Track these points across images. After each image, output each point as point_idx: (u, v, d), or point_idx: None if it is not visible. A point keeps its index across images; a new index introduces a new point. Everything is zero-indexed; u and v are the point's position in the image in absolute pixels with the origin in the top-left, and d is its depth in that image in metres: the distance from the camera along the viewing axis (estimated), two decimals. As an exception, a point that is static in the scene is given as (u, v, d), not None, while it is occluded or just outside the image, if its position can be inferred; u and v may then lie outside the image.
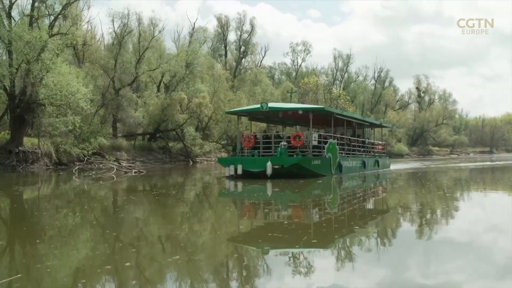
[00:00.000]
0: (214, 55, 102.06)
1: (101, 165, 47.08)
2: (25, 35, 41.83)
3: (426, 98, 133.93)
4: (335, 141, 33.91)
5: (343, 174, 34.48)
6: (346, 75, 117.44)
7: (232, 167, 31.28)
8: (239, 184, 27.37)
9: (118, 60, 73.98)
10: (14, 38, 41.39)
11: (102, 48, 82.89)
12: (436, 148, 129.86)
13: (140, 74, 70.85)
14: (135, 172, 37.72)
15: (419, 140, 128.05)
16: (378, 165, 41.59)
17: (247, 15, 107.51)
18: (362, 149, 39.93)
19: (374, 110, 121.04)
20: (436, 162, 72.34)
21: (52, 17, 53.04)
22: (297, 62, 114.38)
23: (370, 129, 44.92)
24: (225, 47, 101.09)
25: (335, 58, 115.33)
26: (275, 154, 31.40)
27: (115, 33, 79.87)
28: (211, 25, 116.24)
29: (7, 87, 41.43)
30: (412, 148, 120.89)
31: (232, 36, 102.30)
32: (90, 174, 36.23)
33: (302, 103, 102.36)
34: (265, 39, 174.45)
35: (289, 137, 32.44)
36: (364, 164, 38.44)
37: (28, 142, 43.73)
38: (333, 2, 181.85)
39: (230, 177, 30.95)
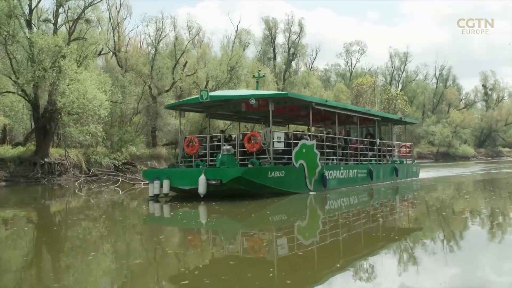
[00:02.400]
0: (263, 59, 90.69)
1: (107, 177, 39.23)
2: (39, 41, 37.67)
3: (494, 96, 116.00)
4: (313, 143, 21.16)
5: (328, 190, 22.52)
6: (404, 74, 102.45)
7: (156, 183, 19.44)
8: (156, 210, 17.68)
9: (154, 66, 64.63)
10: (34, 45, 37.43)
11: (140, 54, 72.79)
12: (507, 149, 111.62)
13: (177, 80, 62.61)
14: (144, 185, 28.28)
15: (487, 141, 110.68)
16: (397, 174, 28.22)
17: (295, 16, 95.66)
18: (369, 153, 26.80)
19: (436, 110, 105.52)
20: (503, 165, 56.99)
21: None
22: (351, 63, 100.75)
23: (387, 126, 31.39)
24: (274, 49, 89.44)
25: (391, 57, 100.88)
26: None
27: (150, 38, 70.72)
28: (260, 28, 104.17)
29: (30, 97, 37.32)
30: (479, 150, 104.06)
31: (280, 39, 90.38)
32: (92, 187, 29.80)
33: (356, 104, 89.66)
34: (322, 43, 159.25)
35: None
36: (370, 174, 25.38)
37: (56, 153, 39.98)
38: (393, 3, 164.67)
39: (155, 198, 19.83)
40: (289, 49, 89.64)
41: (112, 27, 69.43)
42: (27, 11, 42.24)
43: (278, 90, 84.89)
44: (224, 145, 20.41)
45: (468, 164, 73.10)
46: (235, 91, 27.36)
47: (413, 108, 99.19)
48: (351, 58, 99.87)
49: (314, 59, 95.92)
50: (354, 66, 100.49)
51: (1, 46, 38.73)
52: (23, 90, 37.04)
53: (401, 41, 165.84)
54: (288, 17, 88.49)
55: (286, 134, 21.95)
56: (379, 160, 27.95)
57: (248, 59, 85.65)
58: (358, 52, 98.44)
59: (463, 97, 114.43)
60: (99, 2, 51.32)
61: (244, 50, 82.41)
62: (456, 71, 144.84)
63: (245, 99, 20.90)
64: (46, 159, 37.47)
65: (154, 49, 68.99)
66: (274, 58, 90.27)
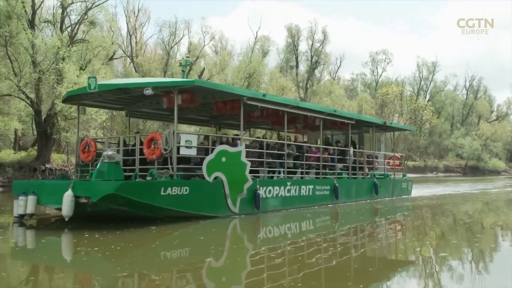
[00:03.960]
0: (285, 67, 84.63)
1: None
2: (36, 42, 34.93)
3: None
4: (239, 150, 14.83)
5: (264, 212, 16.39)
6: (432, 85, 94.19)
7: (22, 200, 13.56)
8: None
9: (168, 72, 59.78)
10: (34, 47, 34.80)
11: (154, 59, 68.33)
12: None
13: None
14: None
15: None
16: (377, 191, 21.43)
17: (318, 24, 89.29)
18: (338, 164, 20.22)
19: (465, 122, 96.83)
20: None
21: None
22: (377, 72, 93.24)
23: (369, 133, 24.55)
24: (296, 57, 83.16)
25: (418, 66, 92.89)
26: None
27: (163, 43, 66.13)
28: (283, 36, 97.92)
29: (33, 100, 34.67)
30: (510, 164, 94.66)
31: (303, 46, 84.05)
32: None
33: (380, 115, 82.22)
34: (347, 52, 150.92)
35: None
36: (335, 191, 18.74)
37: (59, 159, 38.19)
38: (421, 13, 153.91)
39: (19, 220, 14.07)
40: (311, 57, 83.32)
41: (129, 33, 65.18)
42: (30, 12, 39.38)
43: (300, 99, 78.60)
44: (107, 150, 14.30)
45: (496, 179, 65.12)
46: (131, 80, 21.11)
47: (441, 119, 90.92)
48: (376, 68, 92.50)
49: (338, 68, 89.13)
50: (380, 76, 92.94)
51: (2, 48, 36.24)
52: (24, 93, 34.51)
53: (429, 51, 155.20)
54: (311, 25, 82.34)
55: (206, 138, 15.77)
56: (354, 174, 21.20)
57: (270, 67, 79.96)
58: (384, 61, 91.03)
59: (495, 109, 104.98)
60: (103, 3, 46.70)
61: (264, 57, 76.69)
62: (487, 82, 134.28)
63: (140, 87, 14.71)
64: (47, 165, 35.38)
65: (167, 54, 64.25)
66: (297, 66, 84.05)
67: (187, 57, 17.50)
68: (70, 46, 41.56)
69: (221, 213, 14.79)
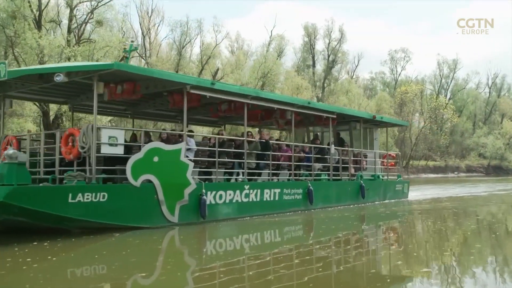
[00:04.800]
0: (302, 66, 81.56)
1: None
2: (41, 41, 32.80)
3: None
4: (177, 148, 11.94)
5: (213, 221, 13.51)
6: (452, 83, 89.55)
7: None
8: None
9: (179, 72, 57.57)
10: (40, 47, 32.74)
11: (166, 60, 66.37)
12: None
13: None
14: None
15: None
16: (363, 195, 18.34)
17: (335, 22, 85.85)
18: (316, 164, 17.20)
19: (488, 120, 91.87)
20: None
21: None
22: (396, 70, 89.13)
23: (371, 129, 21.40)
24: (313, 56, 79.82)
25: (439, 64, 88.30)
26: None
27: (175, 43, 63.97)
28: (300, 35, 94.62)
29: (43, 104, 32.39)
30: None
31: (320, 45, 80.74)
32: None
33: (399, 114, 78.38)
34: (365, 51, 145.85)
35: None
36: (309, 195, 15.68)
37: None
38: (443, 12, 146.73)
39: None
40: (328, 56, 80.00)
41: (142, 33, 63.21)
42: (37, 12, 37.62)
43: (317, 98, 75.41)
44: (9, 148, 11.62)
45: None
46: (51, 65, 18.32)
47: (463, 118, 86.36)
48: (396, 66, 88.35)
49: (356, 67, 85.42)
50: (399, 74, 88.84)
51: (8, 48, 35.15)
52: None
53: (450, 49, 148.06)
54: (328, 23, 78.89)
55: (133, 135, 13.03)
56: (336, 175, 18.11)
57: (286, 66, 76.98)
58: (404, 59, 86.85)
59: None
60: (108, 1, 44.70)
61: (279, 56, 73.75)
62: (511, 79, 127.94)
63: (53, 73, 11.94)
64: (54, 168, 32.34)
65: (179, 54, 62.02)
66: (314, 65, 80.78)
67: (132, 41, 14.66)
68: (77, 45, 39.80)
69: (154, 223, 11.97)
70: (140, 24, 64.45)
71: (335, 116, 17.99)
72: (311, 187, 16.21)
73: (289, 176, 16.46)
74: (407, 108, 78.33)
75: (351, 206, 18.09)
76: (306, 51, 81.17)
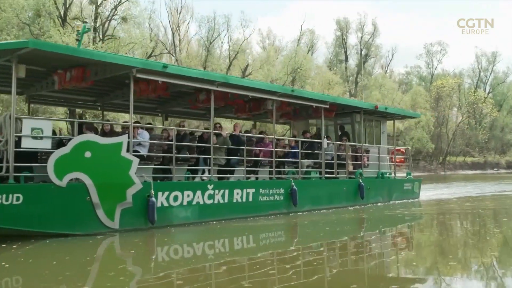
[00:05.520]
0: (334, 61, 78.73)
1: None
2: (63, 39, 31.35)
3: None
4: (121, 140, 9.86)
5: (162, 226, 11.23)
6: (491, 76, 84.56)
7: None
8: None
9: (207, 68, 56.21)
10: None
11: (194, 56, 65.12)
12: None
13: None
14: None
15: None
16: (362, 195, 15.78)
17: (368, 16, 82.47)
18: (305, 161, 14.85)
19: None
20: None
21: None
22: (432, 64, 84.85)
23: (378, 122, 18.87)
24: (345, 51, 76.72)
25: (477, 57, 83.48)
26: None
27: (202, 38, 62.53)
28: (332, 30, 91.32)
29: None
30: None
31: (353, 39, 77.69)
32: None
33: (435, 109, 74.47)
34: (400, 45, 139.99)
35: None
36: (292, 196, 13.33)
37: None
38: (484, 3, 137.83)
39: None
40: (361, 50, 76.86)
41: (171, 30, 61.92)
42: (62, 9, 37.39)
43: (350, 93, 72.53)
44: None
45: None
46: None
47: (503, 112, 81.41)
48: (432, 60, 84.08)
49: (390, 61, 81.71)
50: (436, 68, 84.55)
51: None
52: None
53: (489, 41, 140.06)
54: (361, 17, 75.69)
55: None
56: (329, 173, 15.67)
57: (318, 62, 74.37)
58: (440, 52, 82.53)
59: None
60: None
61: (310, 52, 71.22)
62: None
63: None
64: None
65: (206, 50, 60.47)
66: (346, 60, 77.78)
67: (85, 22, 12.63)
68: (101, 42, 38.82)
69: (87, 229, 9.97)
70: (169, 21, 63.13)
71: (327, 106, 15.55)
72: (294, 187, 13.82)
73: (271, 174, 14.11)
74: (444, 102, 74.28)
75: (347, 208, 15.60)
76: (339, 46, 78.29)
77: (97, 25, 42.57)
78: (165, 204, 11.24)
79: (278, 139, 15.12)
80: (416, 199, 19.13)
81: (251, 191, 13.01)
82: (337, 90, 67.26)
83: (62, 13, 39.45)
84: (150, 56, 49.99)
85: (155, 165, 11.92)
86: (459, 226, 12.31)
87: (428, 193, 21.22)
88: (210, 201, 12.11)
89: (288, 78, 59.85)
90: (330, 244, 9.82)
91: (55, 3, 38.08)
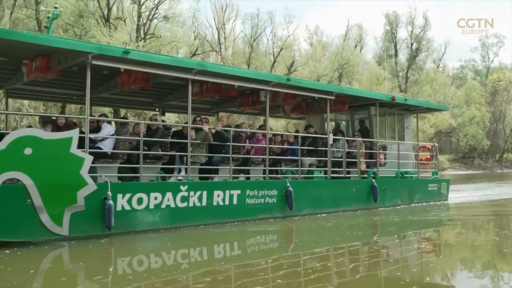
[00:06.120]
0: (384, 56, 75.61)
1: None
2: (104, 38, 31.18)
3: None
4: (71, 136, 8.54)
5: (121, 233, 9.72)
6: (556, 67, 78.75)
7: None
8: None
9: (251, 65, 55.44)
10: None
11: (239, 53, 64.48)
12: None
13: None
14: None
15: None
16: (375, 197, 13.74)
17: (418, 9, 78.63)
18: (306, 158, 13.06)
19: None
20: None
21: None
22: (488, 57, 79.88)
23: (401, 116, 16.76)
24: (395, 45, 73.39)
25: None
26: None
27: (246, 36, 61.63)
28: (381, 24, 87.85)
29: None
30: None
31: (403, 33, 74.39)
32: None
33: (491, 104, 70.09)
34: (453, 38, 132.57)
35: None
36: (287, 199, 11.61)
37: None
38: None
39: None
40: (412, 44, 73.20)
41: (217, 28, 61.28)
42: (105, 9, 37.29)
43: (400, 89, 69.39)
44: None
45: None
46: None
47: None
48: (487, 52, 79.15)
49: (442, 55, 77.51)
50: (492, 61, 79.55)
51: None
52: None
53: None
54: (411, 10, 72.19)
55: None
56: (336, 172, 13.75)
57: (367, 57, 71.66)
58: (496, 45, 77.54)
59: None
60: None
61: (356, 46, 68.60)
62: None
63: None
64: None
65: (250, 47, 59.37)
66: (396, 55, 74.42)
67: (55, 7, 11.36)
68: (142, 41, 38.51)
69: (28, 236, 8.69)
70: (214, 20, 62.56)
71: (333, 97, 13.59)
72: (290, 188, 12.01)
73: (265, 173, 12.39)
74: (500, 97, 69.84)
75: (355, 211, 13.63)
76: (388, 40, 74.92)
77: (140, 24, 42.16)
78: (127, 207, 9.75)
79: (274, 135, 13.33)
80: (444, 201, 16.81)
81: (235, 192, 11.33)
82: (385, 86, 64.56)
83: (105, 13, 39.33)
84: (194, 54, 49.24)
85: (120, 163, 10.44)
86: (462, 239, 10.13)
87: (476, 193, 18.76)
88: (184, 204, 10.53)
89: (334, 74, 57.95)
90: (309, 255, 8.01)
91: (99, 4, 38.02)
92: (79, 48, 9.49)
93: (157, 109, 15.77)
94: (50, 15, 11.41)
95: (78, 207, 9.15)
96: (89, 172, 9.40)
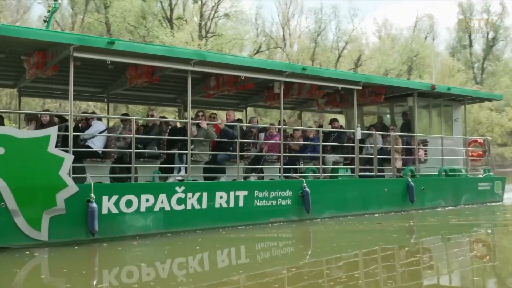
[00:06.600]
0: (457, 47, 71.68)
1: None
2: (165, 38, 31.76)
3: None
4: (48, 134, 7.97)
5: (107, 239, 8.88)
6: None
7: None
8: None
9: (316, 61, 54.53)
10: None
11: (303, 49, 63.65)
12: None
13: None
14: None
15: None
16: (412, 198, 12.11)
17: (494, -5, 73.50)
18: (329, 155, 11.75)
19: None
20: None
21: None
22: None
23: (449, 107, 14.87)
24: (469, 35, 68.92)
25: None
26: None
27: (310, 31, 60.60)
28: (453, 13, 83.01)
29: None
30: None
31: (477, 22, 69.64)
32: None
33: None
34: None
35: None
36: (304, 200, 10.45)
37: None
38: None
39: None
40: (487, 33, 68.47)
41: (281, 25, 60.63)
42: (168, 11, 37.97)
43: (475, 81, 65.31)
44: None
45: None
46: None
47: None
48: None
49: (523, 43, 71.79)
50: None
51: None
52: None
53: None
54: (486, -3, 67.58)
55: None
56: (364, 170, 12.26)
57: (438, 49, 68.01)
58: None
59: None
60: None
61: (426, 37, 65.14)
62: None
63: None
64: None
65: (314, 42, 58.13)
66: (470, 45, 69.90)
67: (55, 0, 10.75)
68: (205, 39, 38.63)
69: (2, 242, 7.99)
70: (278, 16, 61.75)
71: (359, 87, 12.11)
72: (306, 188, 10.71)
73: (284, 172, 11.17)
74: None
75: (387, 214, 12.06)
76: (462, 30, 70.46)
77: (202, 23, 42.19)
78: (114, 210, 8.90)
79: (294, 130, 12.05)
80: (498, 202, 14.72)
81: (241, 194, 10.20)
82: (459, 77, 60.89)
83: (168, 14, 39.64)
84: (258, 52, 48.58)
85: (113, 163, 9.62)
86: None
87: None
88: (181, 207, 9.54)
89: (403, 67, 55.53)
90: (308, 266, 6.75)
91: (161, 5, 38.33)
92: (58, 39, 8.75)
93: (180, 105, 14.91)
94: (50, 9, 10.69)
95: (58, 210, 8.39)
96: (77, 172, 8.69)
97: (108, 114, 14.10)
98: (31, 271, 7.24)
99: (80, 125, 10.38)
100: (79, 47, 8.77)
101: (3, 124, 10.36)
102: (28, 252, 7.92)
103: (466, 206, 13.89)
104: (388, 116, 15.73)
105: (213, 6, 43.36)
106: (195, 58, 9.89)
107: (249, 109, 16.52)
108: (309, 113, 20.82)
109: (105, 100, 13.72)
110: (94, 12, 38.53)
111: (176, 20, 41.80)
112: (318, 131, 11.91)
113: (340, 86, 11.82)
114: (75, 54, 8.79)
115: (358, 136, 11.91)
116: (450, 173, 13.79)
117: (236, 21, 44.03)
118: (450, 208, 13.47)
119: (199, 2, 42.02)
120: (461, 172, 14.37)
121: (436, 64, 62.44)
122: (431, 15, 63.78)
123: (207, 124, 10.22)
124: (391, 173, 12.73)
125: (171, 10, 40.52)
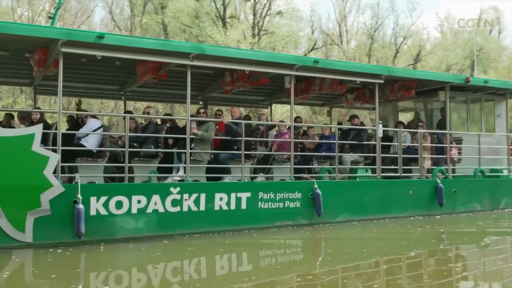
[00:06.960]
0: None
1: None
2: (217, 37, 32.19)
3: None
4: (33, 132, 7.81)
5: (96, 241, 8.48)
6: None
7: None
8: None
9: (372, 57, 53.46)
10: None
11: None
12: None
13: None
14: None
15: None
16: (441, 201, 11.00)
17: None
18: (346, 155, 10.87)
19: None
20: None
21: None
22: None
23: (491, 102, 13.46)
24: (542, 27, 64.70)
25: None
26: None
27: (366, 26, 59.10)
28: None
29: None
30: None
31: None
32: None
33: None
34: None
35: None
36: (315, 203, 9.67)
37: None
38: None
39: None
40: (560, 25, 63.88)
41: (337, 21, 59.57)
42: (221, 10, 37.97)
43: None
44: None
45: None
46: None
47: None
48: None
49: None
50: None
51: None
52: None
53: None
54: None
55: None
56: (386, 171, 11.22)
57: (506, 43, 64.27)
58: None
59: None
60: (283, -7, 42.74)
61: (491, 31, 61.62)
62: None
63: None
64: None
65: (370, 38, 56.57)
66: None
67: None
68: (257, 37, 38.54)
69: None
70: (335, 12, 60.44)
71: (381, 81, 11.07)
72: (318, 190, 9.85)
73: (296, 172, 10.39)
74: None
75: (411, 218, 10.97)
76: (531, 22, 66.24)
77: (255, 21, 41.94)
78: (103, 212, 8.45)
79: (308, 127, 11.19)
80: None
81: (244, 195, 9.48)
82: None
83: (221, 13, 39.65)
84: (313, 49, 47.73)
85: (107, 162, 9.18)
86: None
87: None
88: (176, 209, 8.96)
89: (465, 62, 52.93)
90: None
91: (215, 4, 38.38)
92: (45, 34, 8.38)
93: (200, 102, 14.37)
94: (56, 5, 10.44)
95: (43, 211, 8.03)
96: (69, 172, 8.32)
97: (123, 113, 13.70)
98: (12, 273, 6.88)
99: (80, 122, 10.00)
100: (66, 41, 8.35)
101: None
102: (12, 255, 7.58)
103: (506, 210, 12.47)
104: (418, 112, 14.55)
105: (265, 4, 42.86)
106: (194, 51, 9.26)
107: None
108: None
109: (123, 98, 13.36)
110: (152, 13, 38.96)
111: (229, 19, 41.57)
112: (336, 128, 10.96)
113: (358, 79, 10.81)
114: (63, 50, 8.36)
115: (379, 134, 10.87)
116: (490, 173, 12.40)
117: (291, 19, 43.25)
118: (487, 212, 12.11)
119: (252, 0, 41.58)
120: (502, 172, 12.92)
121: (502, 59, 59.01)
122: (496, 7, 60.09)
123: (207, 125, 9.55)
124: (419, 174, 11.56)
125: (224, 9, 40.36)
